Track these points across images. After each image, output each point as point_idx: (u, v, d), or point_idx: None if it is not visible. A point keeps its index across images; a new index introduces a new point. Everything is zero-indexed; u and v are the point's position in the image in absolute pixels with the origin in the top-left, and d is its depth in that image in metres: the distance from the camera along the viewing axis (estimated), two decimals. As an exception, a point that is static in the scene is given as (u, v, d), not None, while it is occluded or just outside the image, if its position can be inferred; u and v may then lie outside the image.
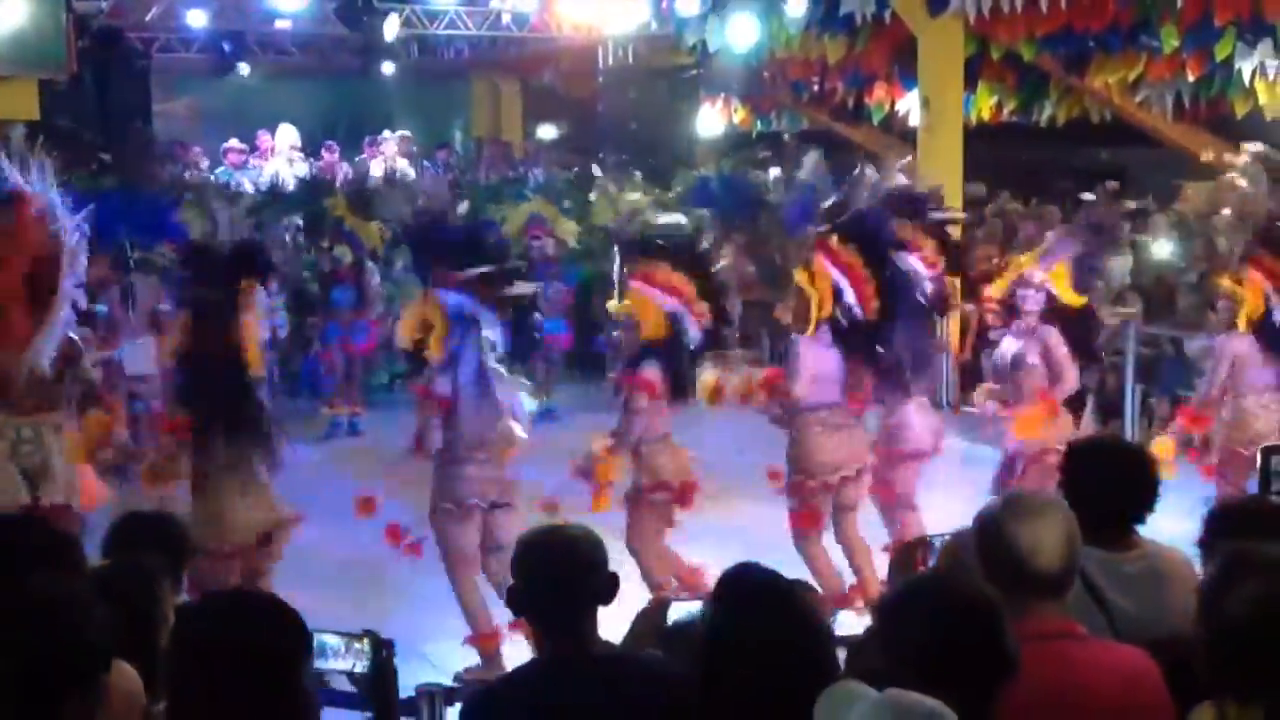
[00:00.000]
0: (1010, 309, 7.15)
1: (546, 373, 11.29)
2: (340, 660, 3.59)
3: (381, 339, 11.21)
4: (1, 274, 6.07)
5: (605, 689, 2.91)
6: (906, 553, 3.49)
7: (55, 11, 12.50)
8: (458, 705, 4.00)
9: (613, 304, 7.16)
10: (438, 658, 6.09)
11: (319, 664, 3.29)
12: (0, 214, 5.98)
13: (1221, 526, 3.32)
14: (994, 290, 7.31)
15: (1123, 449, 3.70)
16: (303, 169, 16.16)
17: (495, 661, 5.97)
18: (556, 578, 2.97)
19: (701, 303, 6.49)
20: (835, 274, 6.64)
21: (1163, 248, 12.79)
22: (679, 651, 3.19)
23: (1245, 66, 11.86)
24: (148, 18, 15.33)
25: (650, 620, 3.33)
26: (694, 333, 6.49)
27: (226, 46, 16.28)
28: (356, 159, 16.76)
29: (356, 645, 3.60)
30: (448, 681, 5.08)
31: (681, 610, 3.36)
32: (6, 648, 2.63)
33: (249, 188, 15.17)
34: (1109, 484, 3.37)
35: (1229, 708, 2.58)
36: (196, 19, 15.56)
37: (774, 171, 11.18)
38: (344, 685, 3.58)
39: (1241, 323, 7.21)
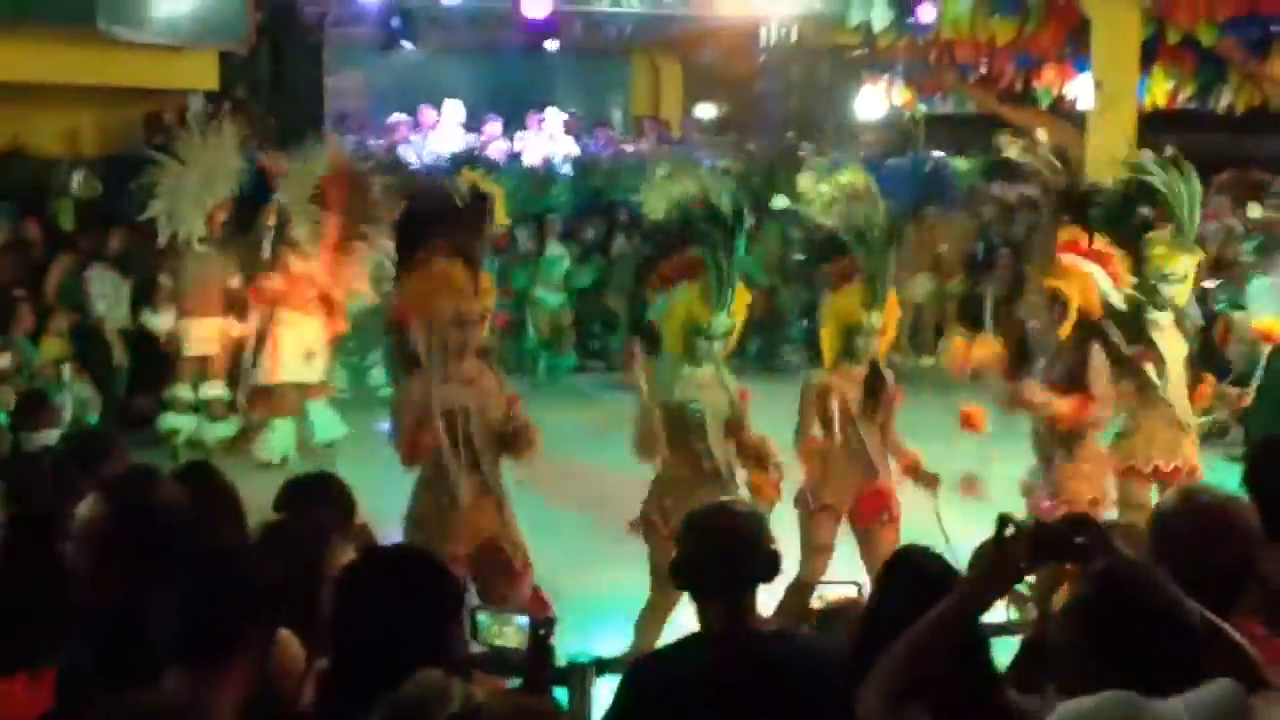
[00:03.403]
0: None
1: None
2: (500, 639, 3.62)
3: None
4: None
5: (764, 664, 2.91)
6: None
7: (236, -15, 12.88)
8: (607, 676, 4.05)
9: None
10: (587, 628, 6.13)
11: (480, 641, 3.36)
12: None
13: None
14: None
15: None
16: (461, 144, 16.39)
17: None
18: (721, 553, 2.98)
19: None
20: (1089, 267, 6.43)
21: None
22: (835, 632, 3.18)
23: None
24: (322, -7, 15.67)
25: (797, 599, 3.32)
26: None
27: (395, 22, 16.56)
28: (518, 134, 16.94)
29: (513, 625, 3.62)
30: (597, 652, 5.11)
31: (831, 592, 3.34)
32: (189, 595, 2.74)
33: (413, 161, 15.46)
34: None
35: None
36: (368, -5, 15.86)
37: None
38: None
39: None
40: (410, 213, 6.06)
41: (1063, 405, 6.24)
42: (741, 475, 5.89)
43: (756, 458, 5.79)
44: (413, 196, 6.08)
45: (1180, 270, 6.67)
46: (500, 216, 11.09)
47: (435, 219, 5.78)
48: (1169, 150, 6.77)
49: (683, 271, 5.80)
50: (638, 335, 6.34)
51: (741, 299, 5.87)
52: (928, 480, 6.11)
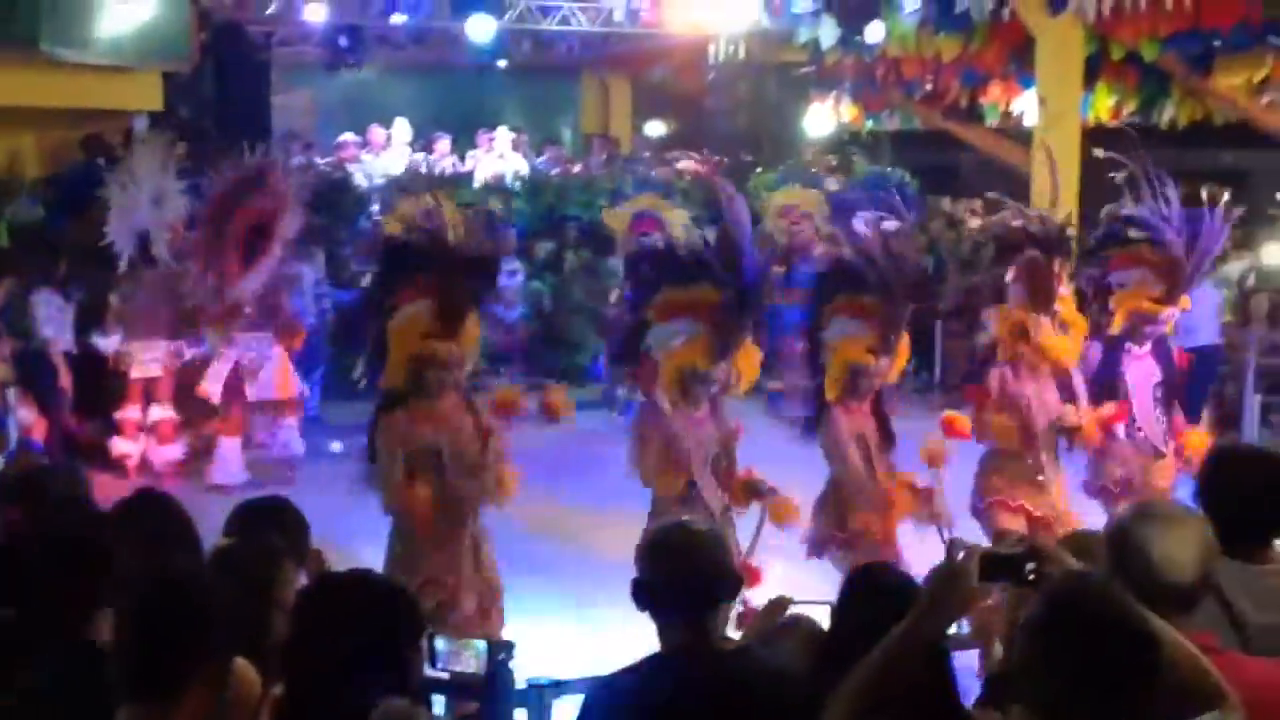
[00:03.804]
0: None
1: None
2: (459, 663, 3.59)
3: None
4: (229, 226, 9.06)
5: (725, 683, 2.90)
6: None
7: (180, 5, 12.78)
8: (564, 698, 4.03)
9: None
10: (542, 651, 6.09)
11: (439, 666, 3.32)
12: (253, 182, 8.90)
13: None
14: None
15: (1264, 457, 3.56)
16: (408, 163, 16.35)
17: None
18: (681, 573, 2.96)
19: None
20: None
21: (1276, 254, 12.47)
22: (777, 648, 3.17)
23: (1380, 68, 11.51)
24: (268, 11, 15.57)
25: (770, 619, 3.31)
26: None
27: (343, 41, 16.50)
28: (469, 153, 16.90)
29: (471, 649, 3.59)
30: (554, 674, 5.07)
31: (802, 610, 3.33)
32: (140, 630, 2.69)
33: (361, 181, 15.39)
34: (1249, 493, 3.26)
35: None
36: (315, 13, 15.79)
37: None
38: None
39: None
40: (400, 246, 5.75)
41: (1090, 422, 6.40)
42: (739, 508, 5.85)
43: (749, 493, 5.75)
44: (409, 230, 5.77)
45: (1165, 316, 6.64)
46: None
47: (426, 257, 5.52)
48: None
49: (690, 310, 5.71)
50: (623, 359, 6.19)
51: (750, 355, 5.81)
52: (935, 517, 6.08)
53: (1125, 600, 2.51)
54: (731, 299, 5.62)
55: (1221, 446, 4.24)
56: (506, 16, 15.61)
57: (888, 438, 6.18)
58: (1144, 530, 2.82)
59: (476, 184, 15.40)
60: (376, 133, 16.78)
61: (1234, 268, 12.17)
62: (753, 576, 5.54)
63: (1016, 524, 6.27)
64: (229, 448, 9.81)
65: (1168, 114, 14.87)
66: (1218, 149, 15.54)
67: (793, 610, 3.39)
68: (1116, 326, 6.64)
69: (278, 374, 9.90)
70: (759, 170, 15.80)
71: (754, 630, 3.26)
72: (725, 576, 3.02)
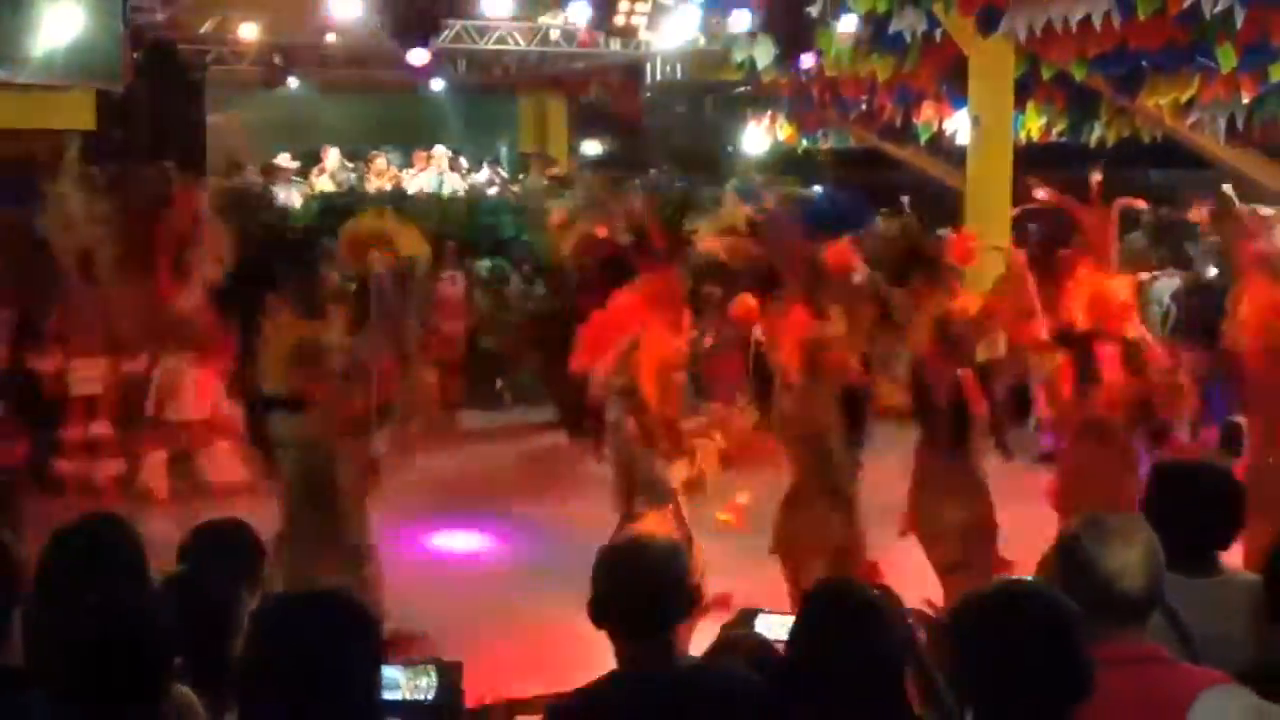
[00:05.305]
0: None
1: None
2: (406, 691, 3.58)
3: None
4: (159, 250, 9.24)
5: (686, 701, 2.89)
6: None
7: (112, 24, 12.62)
8: (520, 718, 4.03)
9: None
10: (496, 671, 6.08)
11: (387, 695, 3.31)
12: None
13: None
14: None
15: (1205, 470, 3.64)
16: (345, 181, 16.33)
17: None
18: (638, 590, 2.95)
19: None
20: None
21: (1209, 270, 12.68)
22: (731, 659, 3.20)
23: (1301, 89, 11.78)
24: (202, 30, 15.48)
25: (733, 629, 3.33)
26: None
27: (278, 60, 16.43)
28: (406, 171, 16.88)
29: (424, 675, 3.59)
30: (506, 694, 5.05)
31: (767, 622, 3.35)
32: (72, 653, 2.66)
33: (295, 200, 15.32)
34: (1194, 507, 3.33)
35: None
36: (249, 32, 15.71)
37: None
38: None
39: None
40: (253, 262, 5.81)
41: None
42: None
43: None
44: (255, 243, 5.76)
45: (1122, 291, 6.63)
46: (418, 248, 11.06)
47: (272, 261, 5.52)
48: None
49: (635, 310, 5.63)
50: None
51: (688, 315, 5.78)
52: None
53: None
54: (665, 268, 5.52)
55: (1162, 462, 4.31)
56: (443, 36, 15.59)
57: (856, 431, 5.95)
58: (1095, 543, 2.86)
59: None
60: (328, 152, 16.77)
61: (1164, 284, 12.38)
62: None
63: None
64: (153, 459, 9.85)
65: (1096, 133, 15.13)
66: (1146, 167, 15.81)
67: (763, 619, 3.40)
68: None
69: (195, 393, 9.94)
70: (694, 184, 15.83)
71: (719, 646, 3.27)
72: (682, 593, 3.01)
